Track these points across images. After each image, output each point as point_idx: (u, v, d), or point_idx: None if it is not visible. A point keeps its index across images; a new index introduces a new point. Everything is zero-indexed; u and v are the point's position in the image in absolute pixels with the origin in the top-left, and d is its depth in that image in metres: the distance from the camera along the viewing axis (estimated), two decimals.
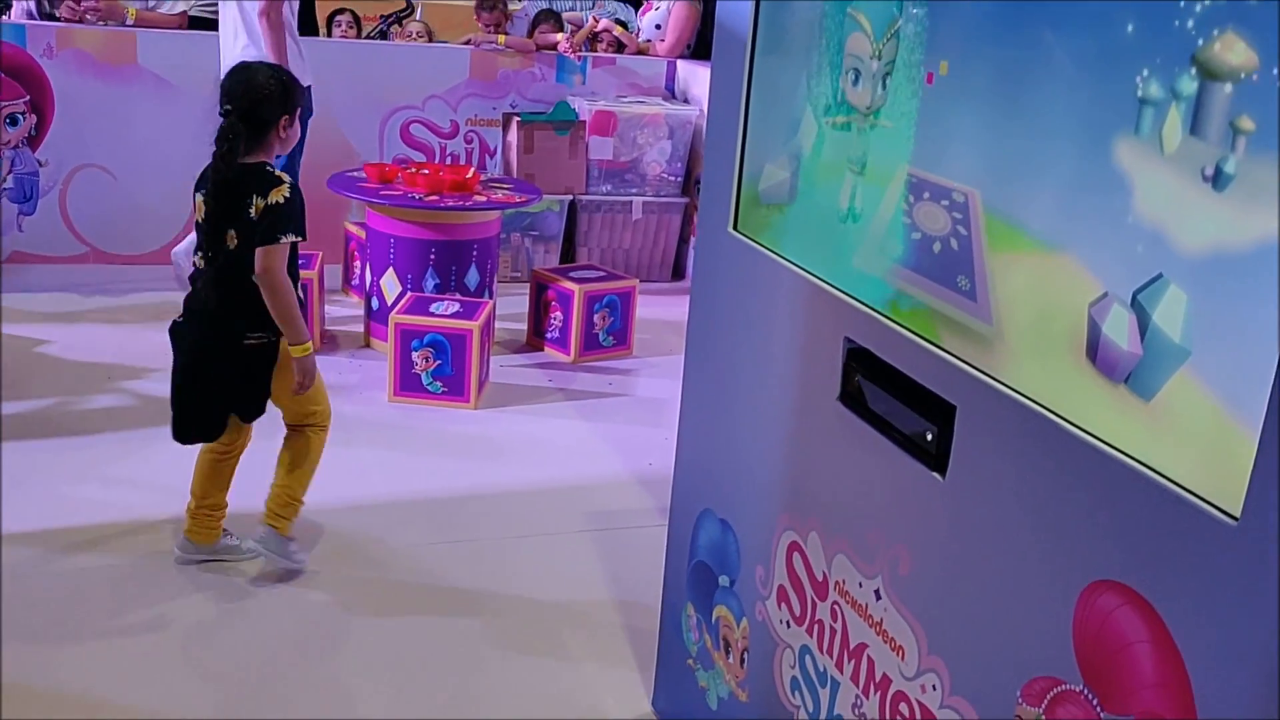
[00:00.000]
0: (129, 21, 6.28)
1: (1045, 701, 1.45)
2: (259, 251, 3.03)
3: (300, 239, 3.09)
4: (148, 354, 4.93)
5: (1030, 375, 1.51)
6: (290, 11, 5.24)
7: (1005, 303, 1.55)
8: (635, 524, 3.79)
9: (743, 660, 2.31)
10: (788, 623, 2.12)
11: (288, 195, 3.05)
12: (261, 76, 3.12)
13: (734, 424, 2.34)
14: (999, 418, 1.55)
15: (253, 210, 3.02)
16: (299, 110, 3.17)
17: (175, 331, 3.18)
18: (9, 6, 6.38)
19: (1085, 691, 1.39)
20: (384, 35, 7.51)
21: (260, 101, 3.06)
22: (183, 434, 3.24)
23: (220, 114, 3.05)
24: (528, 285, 5.70)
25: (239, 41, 5.16)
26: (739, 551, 2.31)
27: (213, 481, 3.35)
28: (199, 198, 3.11)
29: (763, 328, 2.19)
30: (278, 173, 3.10)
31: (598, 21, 7.05)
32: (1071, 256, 1.43)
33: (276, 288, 3.05)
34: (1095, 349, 1.39)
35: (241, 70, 3.17)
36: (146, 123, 6.07)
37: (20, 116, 5.95)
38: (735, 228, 2.26)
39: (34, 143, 6.01)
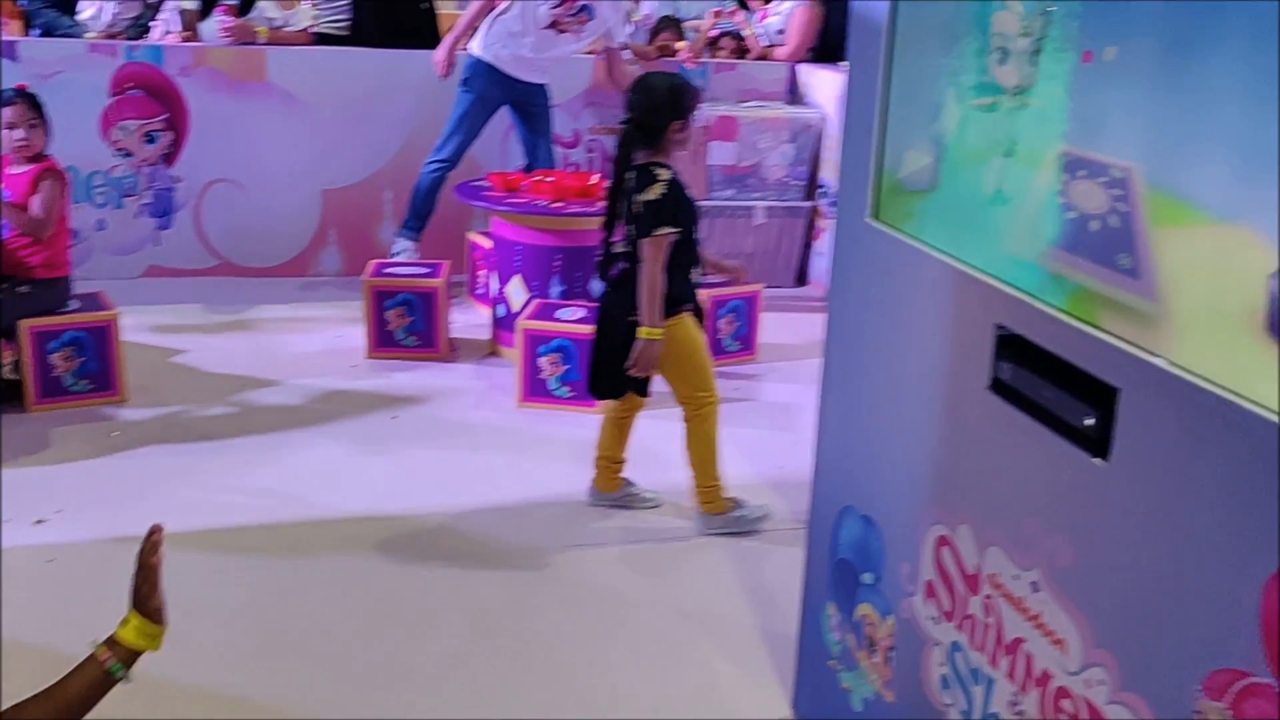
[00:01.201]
0: (260, 41, 6.47)
1: (1230, 695, 1.37)
2: (640, 243, 3.38)
3: (675, 230, 3.38)
4: (277, 365, 5.06)
5: (1201, 352, 1.43)
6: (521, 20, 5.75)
7: (1172, 279, 1.48)
8: (767, 527, 3.75)
9: (888, 659, 2.26)
10: (936, 619, 2.06)
11: (663, 192, 3.37)
12: (656, 87, 3.46)
13: (877, 418, 2.29)
14: (1166, 399, 1.48)
15: (635, 206, 3.38)
16: (689, 115, 3.48)
17: (601, 299, 3.67)
18: (147, 30, 6.61)
19: (1278, 686, 1.32)
20: None
21: (652, 110, 3.42)
22: (593, 389, 3.67)
23: (619, 123, 3.52)
24: None
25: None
26: (883, 547, 2.26)
27: (612, 438, 3.80)
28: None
29: (906, 318, 2.14)
30: (658, 173, 3.41)
31: (715, 21, 7.05)
32: (1247, 227, 1.35)
33: (644, 276, 3.39)
34: (1276, 321, 1.32)
35: (640, 81, 3.53)
36: (275, 137, 6.24)
37: (157, 134, 6.16)
38: (875, 217, 2.22)
39: (170, 159, 6.22)
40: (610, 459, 3.81)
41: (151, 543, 1.50)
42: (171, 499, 3.80)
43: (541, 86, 6.02)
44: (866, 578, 2.34)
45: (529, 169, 5.89)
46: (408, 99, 6.31)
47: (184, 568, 3.37)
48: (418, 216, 5.97)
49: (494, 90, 5.91)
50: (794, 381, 5.05)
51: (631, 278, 3.45)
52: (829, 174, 6.38)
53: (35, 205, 4.37)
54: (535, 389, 4.65)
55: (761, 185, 6.44)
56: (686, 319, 3.53)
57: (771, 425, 4.61)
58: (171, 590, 3.23)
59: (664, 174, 3.41)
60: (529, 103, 6.01)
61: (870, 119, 2.18)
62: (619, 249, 3.52)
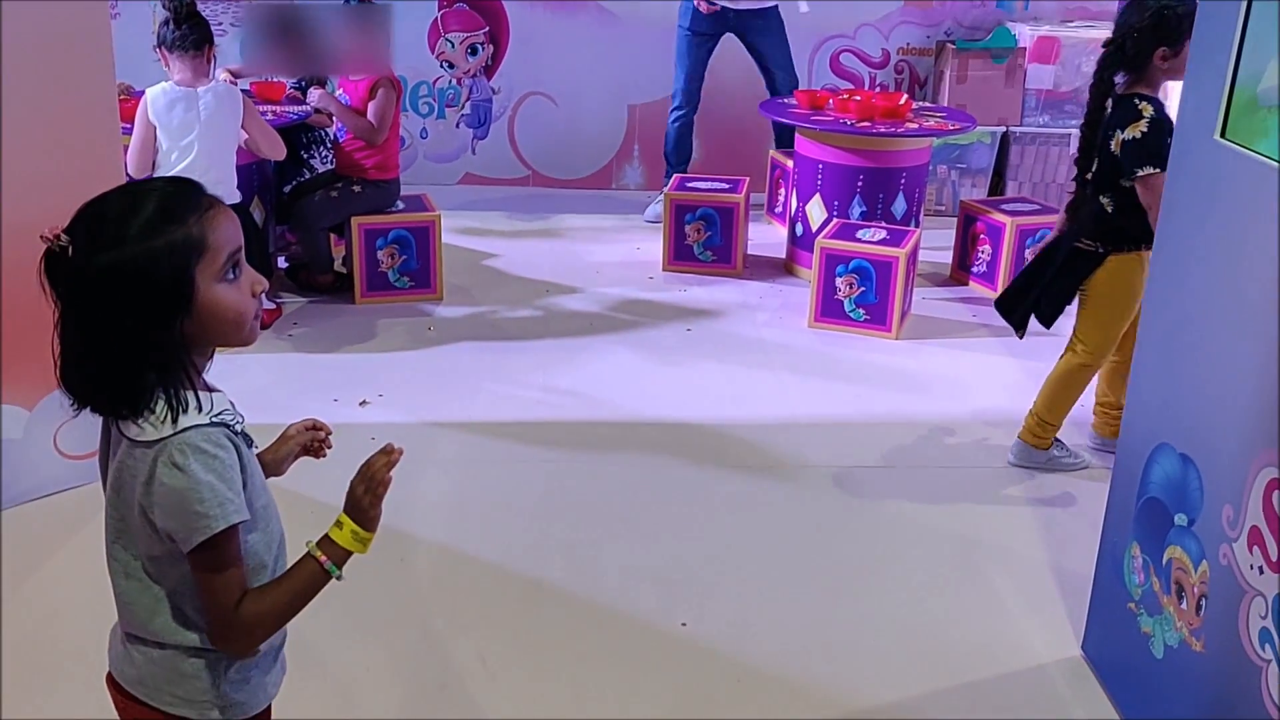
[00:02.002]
0: None
1: None
2: (1133, 185, 3.14)
3: (1159, 170, 2.99)
4: (578, 272, 5.23)
5: None
6: None
7: None
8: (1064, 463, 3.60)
9: (1199, 607, 2.13)
10: (1260, 568, 1.92)
11: (1145, 130, 3.10)
12: (1145, 6, 3.15)
13: (1205, 351, 2.14)
14: None
15: (1113, 144, 3.16)
16: (1181, 43, 3.09)
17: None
18: None
19: None
20: None
21: (1137, 31, 3.13)
22: (1002, 308, 3.57)
23: (1102, 45, 3.24)
24: (951, 218, 5.53)
25: None
26: (1202, 489, 2.12)
27: (1111, 383, 3.62)
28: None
29: (1253, 244, 1.98)
30: (1141, 106, 3.13)
31: None
32: None
33: (1151, 207, 3.09)
34: None
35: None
36: (589, 53, 6.38)
37: (480, 47, 6.42)
38: (1223, 135, 2.05)
39: (490, 72, 6.47)
40: (1109, 405, 3.63)
41: (389, 461, 1.56)
42: (479, 391, 4.02)
43: (765, 10, 5.74)
44: (1180, 519, 2.21)
45: (773, 95, 5.73)
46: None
47: (489, 455, 3.58)
48: (675, 164, 5.96)
49: (704, 24, 5.72)
50: None
51: (1089, 203, 3.27)
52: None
53: (371, 111, 4.64)
54: (829, 309, 4.61)
55: (1081, 112, 6.06)
56: (1134, 264, 3.23)
57: None
58: (477, 475, 3.44)
59: (1147, 109, 3.12)
60: (747, 28, 5.77)
61: (1228, 26, 2.01)
62: (1093, 185, 3.28)
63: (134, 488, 1.41)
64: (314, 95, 4.71)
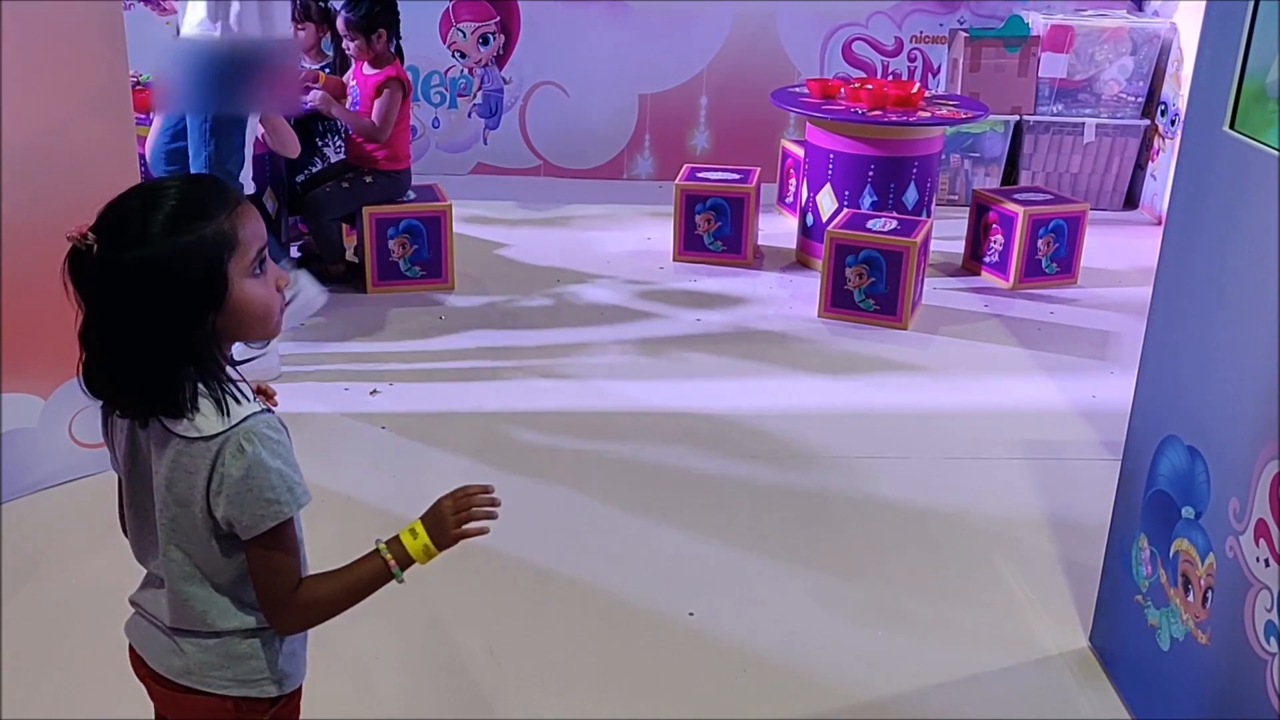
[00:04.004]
0: None
1: None
2: None
3: None
4: (589, 262, 5.23)
5: None
6: None
7: None
8: (1074, 455, 3.60)
9: (1205, 600, 2.13)
10: (1266, 561, 1.92)
11: None
12: None
13: (1214, 343, 2.14)
14: None
15: None
16: None
17: None
18: None
19: None
20: None
21: None
22: None
23: None
24: (964, 208, 5.52)
25: None
26: (1209, 481, 2.12)
27: None
28: None
29: (1261, 236, 1.97)
30: None
31: None
32: None
33: None
34: None
35: None
36: (600, 42, 6.36)
37: (491, 36, 6.42)
38: (1232, 126, 2.05)
39: (501, 61, 6.47)
40: None
41: (489, 498, 1.56)
42: (489, 380, 4.03)
43: None
44: (1187, 512, 2.21)
45: None
46: (727, 6, 6.29)
47: (498, 444, 3.59)
48: None
49: None
50: (1115, 309, 4.79)
51: None
52: (1172, 90, 5.93)
53: (375, 112, 4.64)
54: (839, 300, 4.60)
55: (1094, 101, 6.06)
56: None
57: (1087, 353, 4.39)
58: (486, 465, 3.45)
59: None
60: None
61: (1237, 19, 2.00)
62: None
63: (193, 484, 1.42)
64: (313, 96, 4.70)
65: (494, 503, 1.56)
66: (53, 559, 2.94)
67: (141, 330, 1.37)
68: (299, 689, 1.63)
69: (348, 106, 4.73)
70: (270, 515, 1.42)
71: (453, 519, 1.54)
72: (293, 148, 4.44)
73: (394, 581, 1.53)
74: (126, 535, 1.60)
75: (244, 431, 1.41)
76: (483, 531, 1.55)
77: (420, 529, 1.54)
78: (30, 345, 3.03)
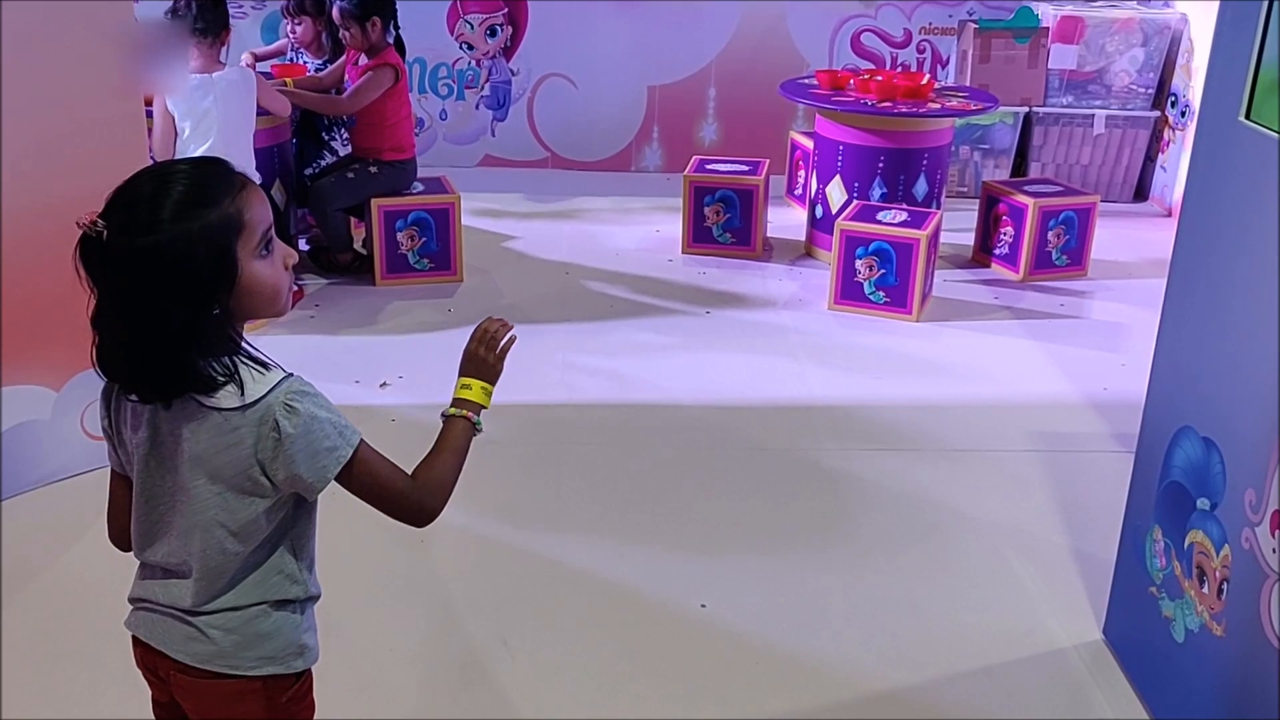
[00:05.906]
0: None
1: None
2: None
3: None
4: (598, 254, 5.23)
5: None
6: None
7: None
8: (1086, 448, 3.59)
9: (1221, 591, 2.13)
10: None
11: None
12: None
13: (1229, 334, 2.13)
14: None
15: None
16: None
17: None
18: None
19: None
20: None
21: None
22: None
23: None
24: (973, 200, 5.50)
25: None
26: (1225, 472, 2.11)
27: None
28: None
29: (1275, 225, 1.96)
30: None
31: None
32: None
33: None
34: None
35: None
36: (608, 34, 6.35)
37: (499, 28, 6.41)
38: (1248, 116, 2.04)
39: (508, 53, 6.46)
40: None
41: (503, 324, 1.73)
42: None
43: None
44: (1202, 503, 2.20)
45: None
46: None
47: (508, 436, 3.59)
48: None
49: None
50: (1126, 301, 4.77)
51: None
52: (1182, 82, 5.91)
53: (347, 88, 4.64)
54: (849, 292, 4.59)
55: (1105, 92, 6.04)
56: None
57: (1098, 345, 4.38)
58: (496, 457, 3.45)
59: None
60: None
61: (1253, 5, 1.99)
62: None
63: (237, 452, 1.45)
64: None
65: (505, 323, 1.73)
66: (66, 551, 2.94)
67: (156, 312, 1.38)
68: (311, 671, 1.65)
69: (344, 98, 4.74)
70: (333, 463, 1.49)
71: (490, 354, 1.70)
72: (285, 106, 4.42)
73: (477, 433, 1.67)
74: (111, 535, 1.64)
75: (287, 391, 1.46)
76: (513, 340, 1.72)
77: (469, 380, 1.69)
78: (42, 338, 3.03)
